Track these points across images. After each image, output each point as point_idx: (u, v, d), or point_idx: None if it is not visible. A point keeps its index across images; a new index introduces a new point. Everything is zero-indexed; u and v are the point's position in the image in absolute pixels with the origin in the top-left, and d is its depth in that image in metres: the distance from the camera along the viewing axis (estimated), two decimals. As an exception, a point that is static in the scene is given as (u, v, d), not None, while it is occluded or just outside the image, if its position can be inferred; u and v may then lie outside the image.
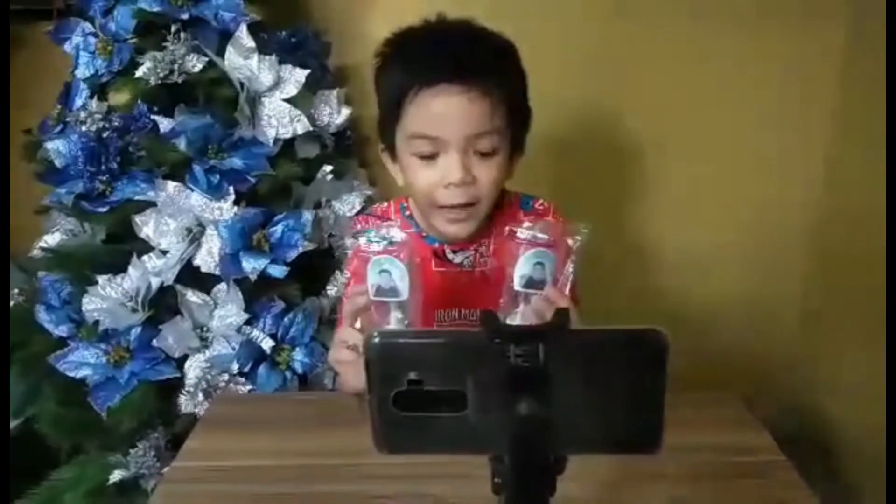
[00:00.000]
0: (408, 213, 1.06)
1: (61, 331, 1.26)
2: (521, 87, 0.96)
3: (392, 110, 0.93)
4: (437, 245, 1.03)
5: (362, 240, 0.84)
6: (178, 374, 1.23)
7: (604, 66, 1.55)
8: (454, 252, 1.03)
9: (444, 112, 0.89)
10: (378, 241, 0.83)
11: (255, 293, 1.25)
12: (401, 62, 0.93)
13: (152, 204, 1.24)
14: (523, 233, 0.84)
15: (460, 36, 0.93)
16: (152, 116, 1.25)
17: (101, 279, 1.22)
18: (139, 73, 1.25)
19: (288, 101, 1.29)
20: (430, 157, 0.92)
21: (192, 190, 1.24)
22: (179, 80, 1.24)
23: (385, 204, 1.11)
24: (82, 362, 1.23)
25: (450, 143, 0.90)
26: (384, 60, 0.95)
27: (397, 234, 0.84)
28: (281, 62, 1.30)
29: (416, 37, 0.93)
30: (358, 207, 1.36)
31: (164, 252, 1.24)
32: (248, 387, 1.24)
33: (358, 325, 0.87)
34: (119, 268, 1.23)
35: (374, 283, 0.83)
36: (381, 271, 0.82)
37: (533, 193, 1.11)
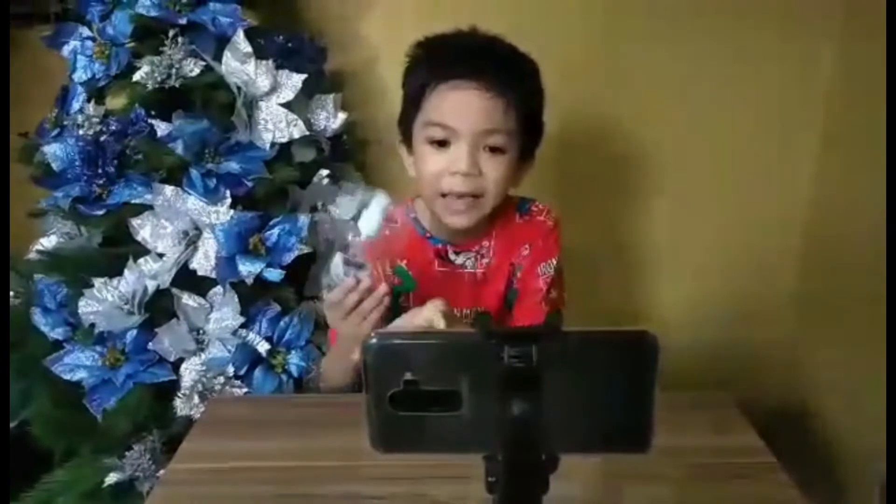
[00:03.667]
0: (413, 215, 1.10)
1: (57, 333, 1.26)
2: (537, 100, 1.00)
3: (414, 102, 0.97)
4: (440, 246, 1.06)
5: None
6: (174, 377, 1.24)
7: (602, 69, 1.56)
8: (456, 253, 1.06)
9: (460, 104, 0.93)
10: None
11: (251, 297, 1.25)
12: (426, 61, 0.98)
13: (149, 207, 1.25)
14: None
15: (485, 42, 0.97)
16: (149, 120, 1.26)
17: (97, 282, 1.22)
18: (136, 77, 1.26)
19: (285, 105, 1.30)
20: (442, 144, 0.96)
21: (189, 194, 1.24)
22: (177, 85, 1.24)
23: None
24: (78, 365, 1.23)
25: (461, 135, 0.94)
26: (412, 61, 1.00)
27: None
28: (278, 67, 1.30)
29: (444, 40, 0.98)
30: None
31: (161, 255, 1.24)
32: (244, 390, 1.24)
33: None
34: (115, 271, 1.23)
35: None
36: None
37: (532, 197, 1.13)
